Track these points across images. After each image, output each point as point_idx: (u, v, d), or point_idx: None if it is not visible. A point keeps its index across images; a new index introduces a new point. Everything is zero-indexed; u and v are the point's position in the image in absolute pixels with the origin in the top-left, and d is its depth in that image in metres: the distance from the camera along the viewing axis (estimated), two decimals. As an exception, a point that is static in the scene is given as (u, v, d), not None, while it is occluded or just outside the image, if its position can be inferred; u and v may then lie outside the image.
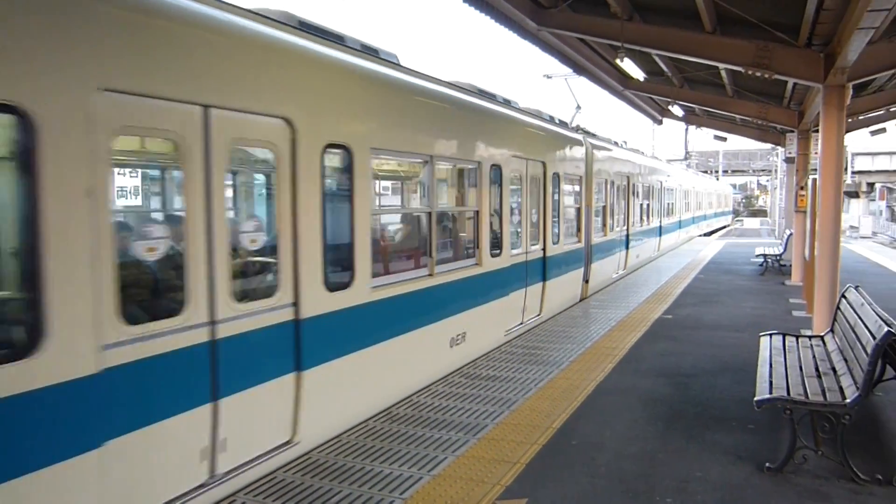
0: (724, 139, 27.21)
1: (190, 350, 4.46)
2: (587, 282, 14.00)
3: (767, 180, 66.74)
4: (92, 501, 3.83)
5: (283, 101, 5.27)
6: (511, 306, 9.85)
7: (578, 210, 13.45)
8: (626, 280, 16.42)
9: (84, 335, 3.78)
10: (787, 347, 6.86)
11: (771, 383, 5.60)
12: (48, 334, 3.57)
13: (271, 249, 5.28)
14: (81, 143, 3.75)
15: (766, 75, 9.65)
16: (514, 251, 9.95)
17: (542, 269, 11.17)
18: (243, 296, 4.96)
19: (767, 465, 5.17)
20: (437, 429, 6.09)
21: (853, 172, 55.09)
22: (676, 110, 20.16)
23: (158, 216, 4.92)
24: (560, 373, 7.90)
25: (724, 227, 50.07)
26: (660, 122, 24.12)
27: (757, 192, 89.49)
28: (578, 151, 13.35)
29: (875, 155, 55.43)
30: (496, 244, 9.28)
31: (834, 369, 5.94)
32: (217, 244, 4.67)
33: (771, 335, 7.33)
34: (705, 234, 38.77)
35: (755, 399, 5.27)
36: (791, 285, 15.43)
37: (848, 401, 5.02)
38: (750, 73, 9.87)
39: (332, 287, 5.81)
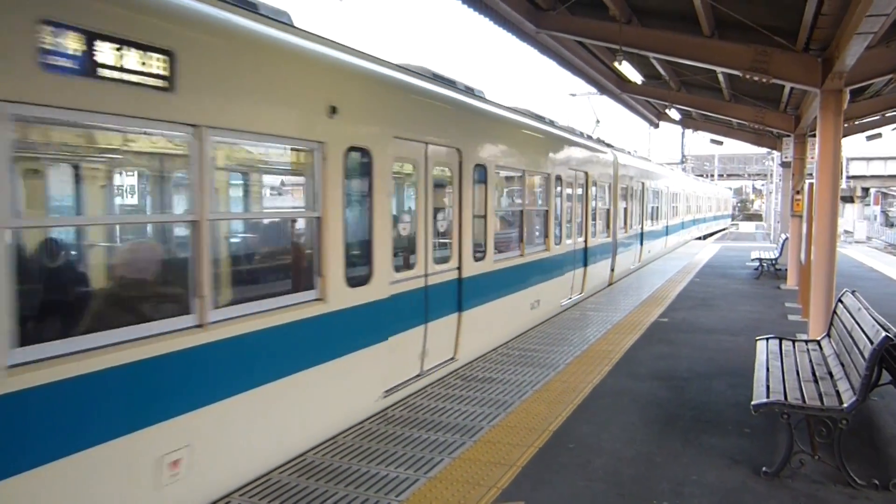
0: (721, 143, 27.27)
1: (417, 290, 7.38)
2: (613, 270, 16.63)
3: (763, 184, 66.87)
4: (383, 371, 6.72)
5: (457, 137, 8.16)
6: (565, 283, 12.66)
7: (608, 211, 16.16)
8: (621, 283, 16.44)
9: (384, 275, 6.62)
10: (783, 352, 6.86)
11: (768, 387, 5.59)
12: (373, 274, 6.46)
13: (448, 232, 8.13)
14: (385, 165, 6.60)
15: (764, 79, 9.67)
16: (568, 241, 12.70)
17: (584, 257, 13.92)
18: (437, 260, 7.77)
19: (764, 469, 5.16)
20: (433, 431, 6.07)
21: (848, 177, 55.23)
22: (673, 114, 20.20)
23: (405, 208, 7.79)
24: (556, 375, 7.89)
25: (724, 229, 51.89)
26: (656, 126, 24.17)
27: (752, 197, 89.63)
28: (608, 162, 16.03)
29: (870, 160, 55.62)
30: (557, 235, 12.02)
31: (831, 374, 5.94)
32: (428, 226, 7.57)
33: (767, 339, 7.33)
34: (706, 236, 39.91)
35: (752, 403, 5.26)
36: (786, 289, 15.46)
37: (845, 405, 5.02)
38: (748, 77, 9.88)
39: (476, 258, 8.68)
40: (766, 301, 13.78)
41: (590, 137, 16.00)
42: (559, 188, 12.01)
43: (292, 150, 5.94)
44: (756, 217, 76.44)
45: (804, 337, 8.71)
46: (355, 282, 6.19)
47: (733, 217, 70.98)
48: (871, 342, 5.05)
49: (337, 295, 5.89)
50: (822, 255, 9.35)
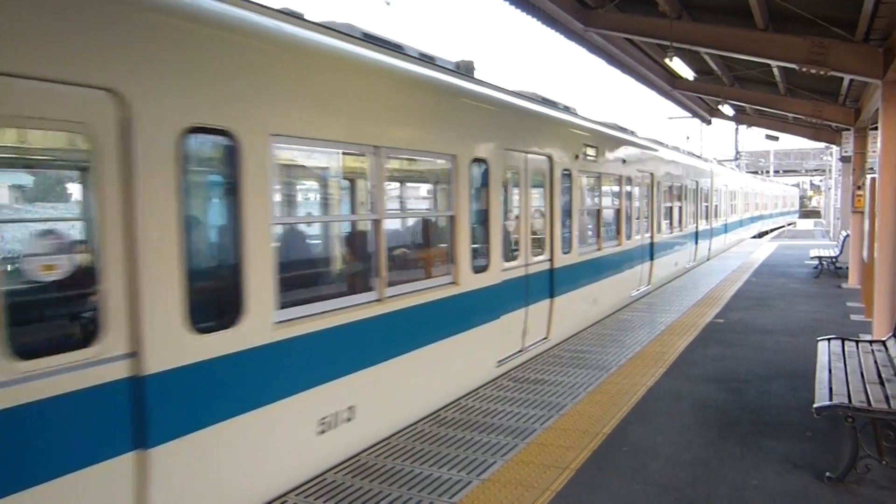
0: (776, 138, 26.59)
1: (640, 246, 14.01)
2: (710, 249, 22.75)
3: (821, 180, 64.89)
4: (638, 281, 13.98)
5: (651, 169, 14.59)
6: (687, 253, 18.97)
7: (707, 207, 21.93)
8: (676, 283, 16.16)
9: (644, 233, 14.35)
10: (846, 353, 6.63)
11: (831, 389, 5.41)
12: (653, 233, 14.88)
13: (647, 218, 14.65)
14: (659, 187, 15.51)
15: (822, 72, 9.38)
16: (689, 226, 18.99)
17: (696, 238, 20.07)
18: (644, 233, 14.47)
19: (828, 474, 5.01)
20: (486, 432, 6.06)
21: (912, 171, 52.97)
22: (726, 109, 19.76)
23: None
24: (609, 377, 7.79)
25: (791, 223, 57.94)
26: (709, 122, 23.70)
27: (810, 193, 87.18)
28: (707, 172, 22.22)
29: (936, 153, 53.26)
30: (685, 222, 18.45)
31: (897, 375, 5.72)
32: (642, 215, 14.37)
33: (829, 340, 7.10)
34: (765, 233, 43.24)
35: (815, 406, 5.10)
36: (848, 288, 14.97)
37: (914, 408, 4.83)
38: (804, 70, 9.59)
39: (657, 232, 15.31)
40: (827, 300, 13.36)
41: (693, 154, 23.54)
42: (685, 192, 18.36)
43: (619, 178, 12.48)
44: (814, 214, 74.37)
45: (868, 337, 8.40)
46: (638, 233, 13.76)
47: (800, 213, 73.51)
48: (942, 343, 4.85)
49: (643, 238, 13.97)
50: (887, 251, 9.02)
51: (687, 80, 14.69)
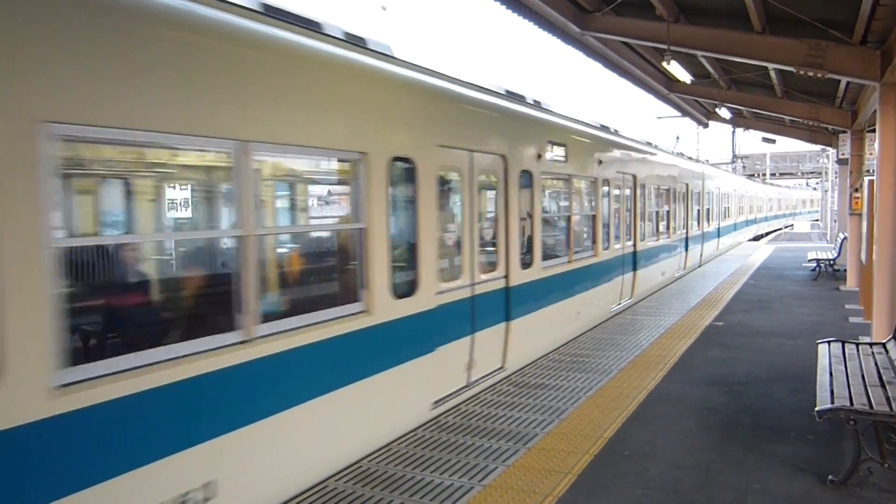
0: (773, 141, 26.64)
1: (694, 236, 20.27)
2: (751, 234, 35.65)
3: (818, 182, 65.16)
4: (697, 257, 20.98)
5: (673, 174, 17.29)
6: (743, 234, 32.01)
7: (727, 209, 27.03)
8: (674, 286, 16.17)
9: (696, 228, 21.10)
10: (846, 355, 6.62)
11: (832, 392, 5.40)
12: (697, 227, 21.25)
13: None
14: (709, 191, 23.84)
15: (819, 75, 9.39)
16: (713, 225, 23.19)
17: (718, 233, 24.84)
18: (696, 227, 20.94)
19: (830, 477, 4.99)
20: (487, 438, 6.04)
21: (908, 173, 53.14)
22: (724, 113, 19.80)
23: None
24: (609, 381, 7.77)
25: (816, 219, 65.33)
26: (706, 126, 23.75)
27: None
28: (752, 185, 32.55)
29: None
30: (710, 221, 22.64)
31: (899, 378, 5.71)
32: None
33: (829, 342, 7.09)
34: (768, 233, 47.87)
35: (816, 409, 5.09)
36: (846, 290, 14.97)
37: (916, 411, 4.82)
38: (801, 72, 9.61)
39: (696, 227, 20.60)
40: (826, 303, 13.36)
41: (714, 166, 30.83)
42: (728, 198, 24.77)
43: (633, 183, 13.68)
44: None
45: (867, 340, 8.40)
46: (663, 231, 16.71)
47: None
48: (943, 345, 4.84)
49: (644, 242, 14.67)
50: (886, 253, 9.02)
51: (684, 83, 14.74)
